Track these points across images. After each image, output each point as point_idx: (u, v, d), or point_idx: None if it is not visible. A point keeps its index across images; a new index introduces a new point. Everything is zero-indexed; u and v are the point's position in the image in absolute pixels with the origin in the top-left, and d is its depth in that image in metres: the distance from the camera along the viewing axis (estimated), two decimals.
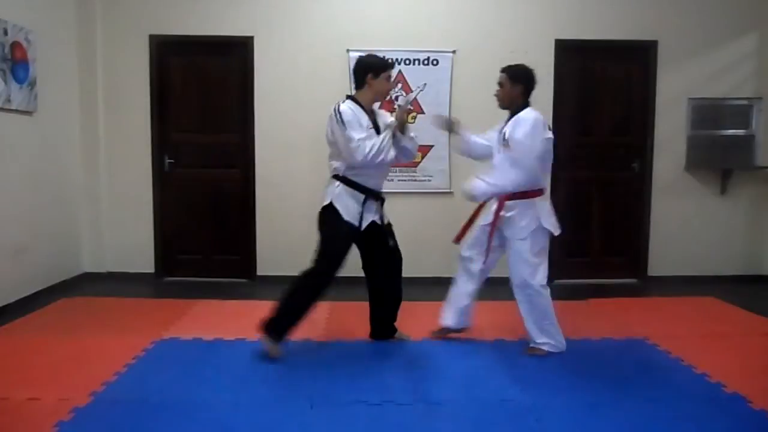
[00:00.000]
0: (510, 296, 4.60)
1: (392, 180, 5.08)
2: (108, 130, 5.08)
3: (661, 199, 5.24)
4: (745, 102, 5.21)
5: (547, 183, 3.43)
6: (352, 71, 3.41)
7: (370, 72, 3.26)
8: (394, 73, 4.96)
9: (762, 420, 2.60)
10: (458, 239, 3.57)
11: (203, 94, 5.13)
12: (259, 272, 5.14)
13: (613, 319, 4.06)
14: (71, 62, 4.91)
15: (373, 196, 3.30)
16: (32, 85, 4.31)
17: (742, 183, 5.26)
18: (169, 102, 5.12)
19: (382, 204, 3.38)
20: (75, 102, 4.97)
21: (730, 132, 5.23)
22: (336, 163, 3.26)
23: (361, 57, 3.38)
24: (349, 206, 3.22)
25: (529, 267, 3.31)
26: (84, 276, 5.05)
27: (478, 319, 4.03)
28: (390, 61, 3.38)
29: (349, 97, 3.30)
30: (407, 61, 5.03)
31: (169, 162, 5.13)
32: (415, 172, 5.10)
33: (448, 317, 3.60)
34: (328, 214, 3.24)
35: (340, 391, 2.85)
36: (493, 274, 5.08)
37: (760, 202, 5.29)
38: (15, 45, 4.11)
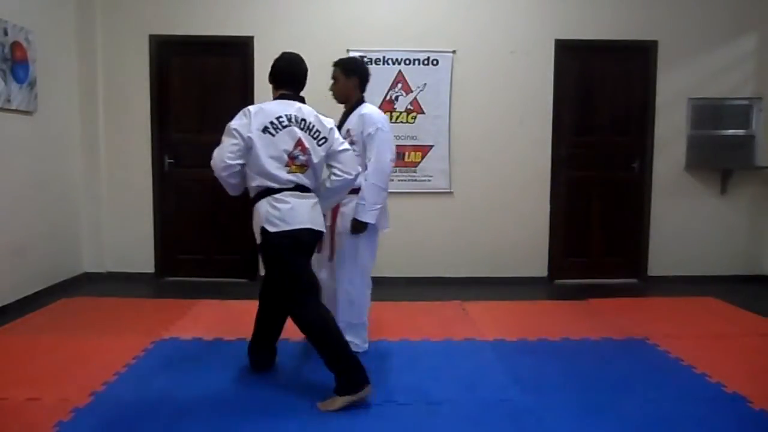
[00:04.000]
0: (510, 296, 4.64)
1: (392, 180, 5.07)
2: (108, 131, 5.08)
3: (661, 199, 5.24)
4: (745, 102, 5.21)
5: None
6: (296, 70, 2.95)
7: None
8: (394, 72, 5.09)
9: (762, 420, 2.60)
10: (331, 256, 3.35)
11: (203, 94, 5.13)
12: (259, 272, 5.14)
13: (613, 319, 4.06)
14: (71, 62, 4.91)
15: None
16: (32, 85, 4.31)
17: (742, 183, 5.26)
18: (169, 102, 5.12)
19: None
20: (75, 102, 4.97)
21: (730, 132, 5.23)
22: (319, 177, 2.93)
23: (299, 59, 2.98)
24: None
25: (354, 262, 3.27)
26: (84, 276, 5.05)
27: (478, 319, 4.04)
28: None
29: (302, 99, 2.94)
30: (407, 61, 5.03)
31: (169, 162, 5.13)
32: (415, 172, 5.10)
33: None
34: None
35: None
36: (492, 274, 5.13)
37: (760, 202, 5.28)
38: (15, 45, 4.11)
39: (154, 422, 2.53)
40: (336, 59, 3.41)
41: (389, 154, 3.18)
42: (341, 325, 3.21)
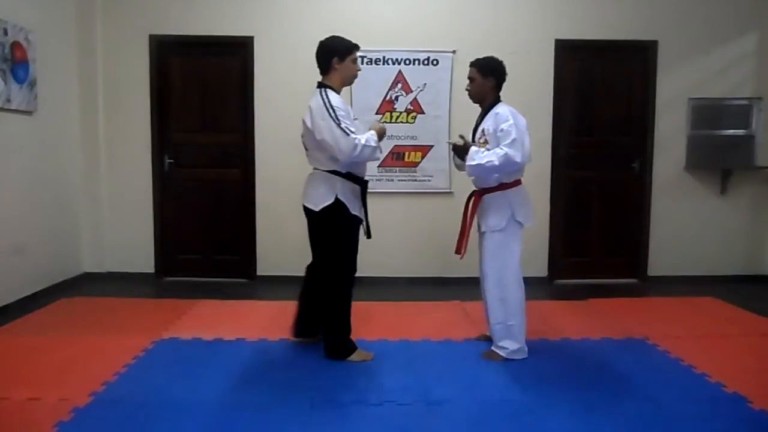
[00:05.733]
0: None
1: (392, 180, 5.11)
2: (108, 130, 5.08)
3: (661, 199, 5.24)
4: (745, 102, 5.21)
5: (521, 174, 3.31)
6: (315, 56, 3.18)
7: (336, 56, 3.12)
8: (394, 72, 5.08)
9: (762, 420, 2.60)
10: (459, 250, 3.37)
11: (203, 94, 5.13)
12: (259, 272, 5.14)
13: (613, 319, 4.06)
14: (71, 62, 4.91)
15: (365, 186, 3.23)
16: (32, 85, 4.31)
17: (742, 183, 5.26)
18: (169, 102, 5.12)
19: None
20: (75, 102, 4.97)
21: (730, 132, 5.23)
22: (323, 158, 3.11)
23: (323, 41, 3.18)
24: (352, 201, 3.15)
25: (503, 260, 3.24)
26: (84, 276, 5.05)
27: (478, 319, 4.03)
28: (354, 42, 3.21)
29: (323, 85, 3.14)
30: (407, 61, 5.03)
31: (169, 162, 5.13)
32: (415, 172, 5.11)
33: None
34: (334, 212, 3.09)
35: (340, 391, 2.85)
36: None
37: (760, 202, 5.29)
38: (15, 45, 4.11)
39: (154, 422, 2.53)
40: (473, 59, 3.37)
41: (519, 151, 3.06)
42: (495, 327, 3.28)
